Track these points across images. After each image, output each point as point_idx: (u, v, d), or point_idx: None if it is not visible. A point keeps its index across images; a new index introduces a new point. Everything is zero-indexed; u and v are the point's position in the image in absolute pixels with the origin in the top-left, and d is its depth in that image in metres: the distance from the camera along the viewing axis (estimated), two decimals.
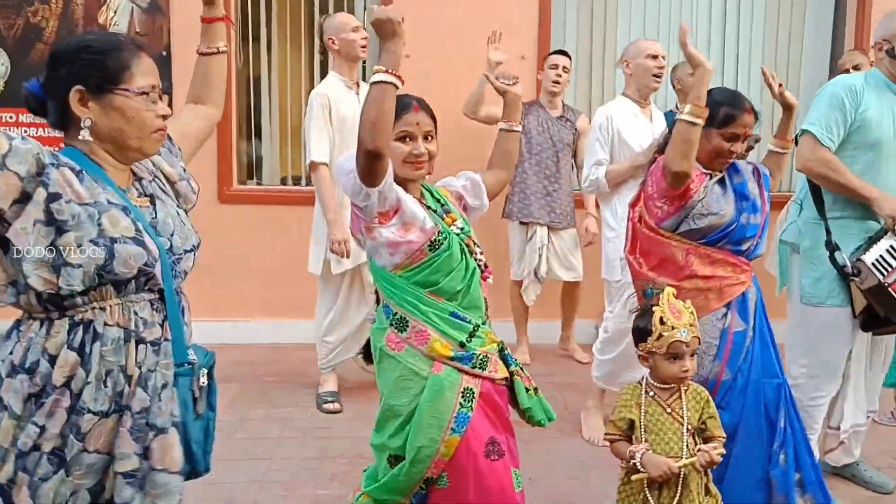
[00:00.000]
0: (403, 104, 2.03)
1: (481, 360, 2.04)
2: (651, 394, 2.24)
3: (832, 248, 2.90)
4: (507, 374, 2.11)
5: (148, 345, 1.61)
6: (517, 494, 2.07)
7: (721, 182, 2.56)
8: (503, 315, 4.93)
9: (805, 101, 3.70)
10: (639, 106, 3.72)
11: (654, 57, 3.63)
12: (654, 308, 2.20)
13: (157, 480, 1.58)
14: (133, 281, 1.58)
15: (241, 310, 5.16)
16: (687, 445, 2.16)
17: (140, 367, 1.60)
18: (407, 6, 4.71)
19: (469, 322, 2.05)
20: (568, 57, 4.71)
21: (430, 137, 2.10)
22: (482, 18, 4.95)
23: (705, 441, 2.21)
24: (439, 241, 2.02)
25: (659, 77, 3.66)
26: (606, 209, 3.77)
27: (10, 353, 1.56)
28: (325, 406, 4.02)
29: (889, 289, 2.80)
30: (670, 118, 4.83)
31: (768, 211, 2.62)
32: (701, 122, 2.35)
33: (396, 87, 1.88)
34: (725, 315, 2.50)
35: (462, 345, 2.02)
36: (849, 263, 2.85)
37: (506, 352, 2.15)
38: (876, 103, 2.91)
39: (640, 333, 2.24)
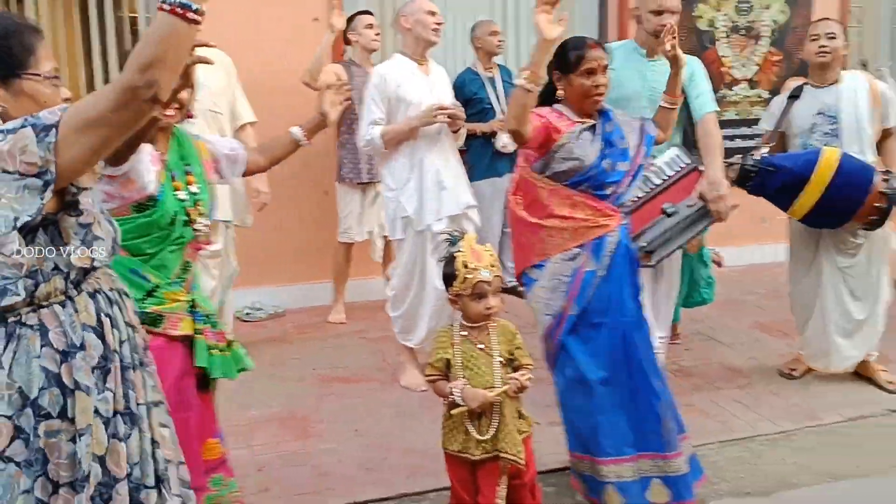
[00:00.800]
0: None
1: (152, 317, 2.04)
2: (463, 333, 2.39)
3: None
4: (189, 332, 2.12)
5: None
6: None
7: (592, 129, 2.68)
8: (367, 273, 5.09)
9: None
10: (416, 63, 3.70)
11: (433, 13, 3.65)
12: (457, 253, 2.34)
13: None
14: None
15: None
16: (500, 376, 2.34)
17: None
18: None
19: (149, 281, 2.05)
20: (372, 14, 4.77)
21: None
22: None
23: (515, 370, 2.39)
24: (147, 205, 2.02)
25: (437, 31, 3.66)
26: (386, 169, 3.74)
27: (45, 345, 1.49)
28: None
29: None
30: (507, 74, 5.03)
31: (641, 163, 2.76)
32: (536, 88, 2.48)
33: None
34: (578, 255, 2.61)
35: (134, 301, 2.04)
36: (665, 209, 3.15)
37: (197, 310, 2.16)
38: (619, 66, 3.25)
39: (448, 278, 2.37)
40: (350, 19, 4.75)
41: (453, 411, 2.32)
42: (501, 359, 2.36)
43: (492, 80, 5.08)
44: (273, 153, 2.49)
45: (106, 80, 4.94)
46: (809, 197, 3.40)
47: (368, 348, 4.44)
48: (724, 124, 6.02)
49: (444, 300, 3.49)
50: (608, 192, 2.66)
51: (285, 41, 4.94)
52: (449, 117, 3.55)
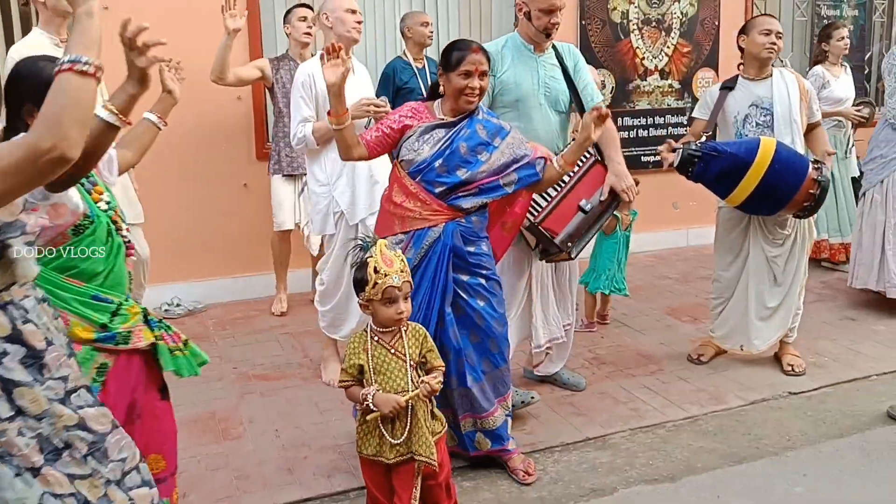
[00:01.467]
0: None
1: (124, 336, 2.08)
2: (375, 339, 2.43)
3: None
4: (151, 340, 2.16)
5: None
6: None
7: (447, 128, 2.83)
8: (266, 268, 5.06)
9: (495, 29, 4.33)
10: None
11: (353, 11, 3.65)
12: (369, 259, 2.37)
13: None
14: None
15: None
16: (412, 380, 2.39)
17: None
18: None
19: (112, 302, 2.07)
20: (311, 8, 4.71)
21: None
22: None
23: (427, 373, 2.45)
24: (84, 225, 2.02)
25: (357, 29, 3.66)
26: (315, 165, 3.72)
27: None
28: None
29: (540, 227, 3.26)
30: (435, 66, 5.03)
31: (490, 182, 2.84)
32: (342, 127, 2.77)
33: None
34: (402, 241, 2.78)
35: (104, 326, 2.05)
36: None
37: (150, 317, 2.20)
38: (512, 66, 3.34)
39: (359, 284, 2.41)
40: (288, 12, 4.73)
41: (367, 416, 2.36)
42: (413, 362, 2.41)
43: (422, 71, 5.10)
44: (140, 144, 2.46)
45: None
46: (750, 181, 3.50)
47: (289, 343, 4.44)
48: (637, 113, 6.27)
49: None
50: (437, 190, 2.80)
51: (197, 32, 4.83)
52: (378, 110, 3.55)
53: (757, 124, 3.76)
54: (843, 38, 5.49)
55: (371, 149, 2.87)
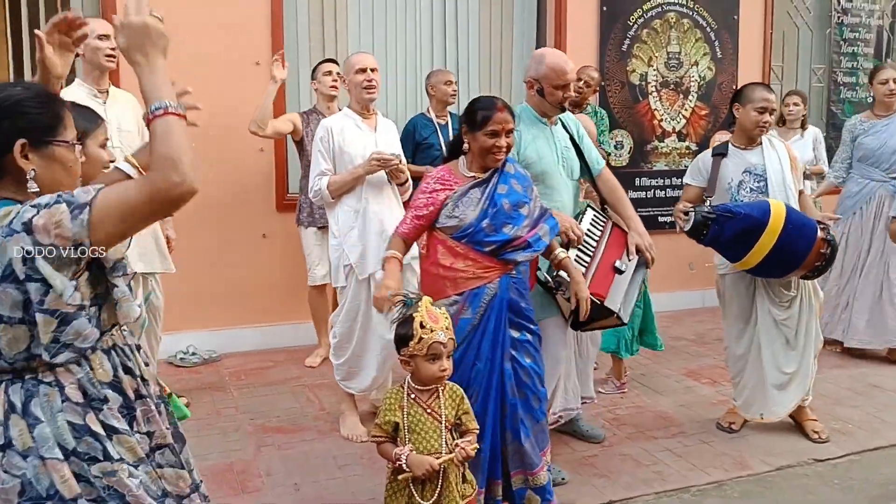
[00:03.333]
0: None
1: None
2: (412, 396, 2.40)
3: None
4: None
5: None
6: None
7: (482, 186, 2.83)
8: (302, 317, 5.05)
9: (516, 91, 4.48)
10: (361, 117, 3.78)
11: (363, 70, 3.71)
12: (414, 314, 2.36)
13: None
14: None
15: None
16: (446, 442, 2.36)
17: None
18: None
19: None
20: (336, 62, 4.81)
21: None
22: (211, 20, 4.87)
23: (461, 435, 2.42)
24: None
25: (370, 89, 3.72)
26: (331, 217, 3.78)
27: (65, 400, 1.57)
28: None
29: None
30: (459, 124, 5.12)
31: (531, 237, 2.83)
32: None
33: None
34: (457, 302, 2.75)
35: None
36: (549, 279, 3.23)
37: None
38: (531, 140, 3.30)
39: (402, 339, 2.38)
40: (314, 69, 4.83)
41: (399, 476, 2.32)
42: (448, 424, 2.38)
43: (444, 127, 5.17)
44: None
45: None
46: (766, 243, 3.47)
47: (305, 396, 4.40)
48: (654, 174, 6.32)
49: (390, 350, 3.55)
50: (486, 249, 2.77)
51: (223, 83, 4.92)
52: (386, 165, 3.59)
53: (751, 189, 3.75)
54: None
55: (411, 239, 2.89)
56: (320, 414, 4.12)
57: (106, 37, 3.65)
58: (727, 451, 3.70)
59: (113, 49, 3.65)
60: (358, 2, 5.57)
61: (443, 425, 2.37)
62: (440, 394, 2.41)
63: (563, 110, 3.41)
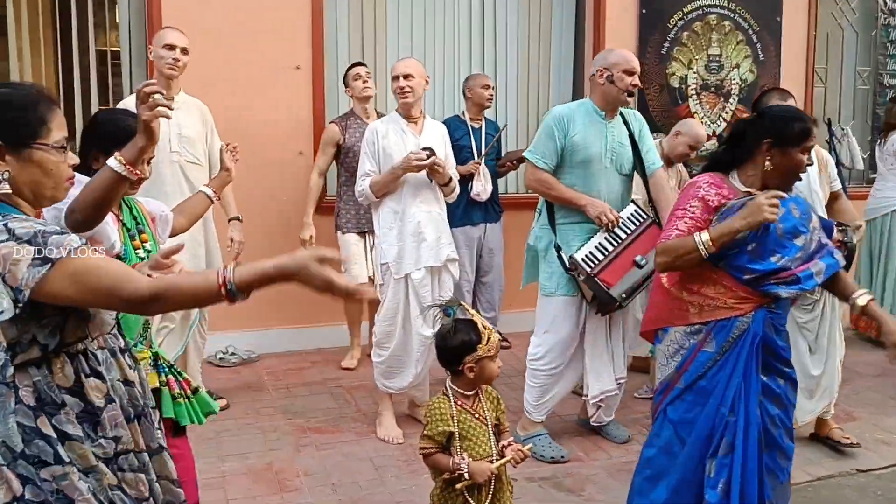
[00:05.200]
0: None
1: None
2: (459, 402, 2.39)
3: (557, 248, 3.52)
4: (155, 385, 2.17)
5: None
6: None
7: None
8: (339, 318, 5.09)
9: (553, 96, 4.32)
10: (407, 121, 3.81)
11: (395, 78, 3.76)
12: (471, 319, 2.36)
13: None
14: None
15: None
16: (494, 445, 2.37)
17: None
18: (175, 10, 4.68)
19: None
20: (364, 65, 4.85)
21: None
22: (252, 24, 4.95)
23: (499, 435, 2.43)
24: None
25: (403, 95, 3.74)
26: (375, 218, 3.87)
27: (17, 402, 1.55)
28: None
29: (596, 279, 3.40)
30: (493, 128, 5.16)
31: (805, 265, 2.49)
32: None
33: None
34: (700, 332, 2.50)
35: None
36: (566, 260, 3.44)
37: (160, 362, 2.23)
38: (583, 129, 3.51)
39: (467, 346, 2.33)
40: (345, 75, 4.85)
41: (458, 486, 2.29)
42: (492, 425, 2.40)
43: (477, 131, 5.19)
44: (192, 213, 2.64)
45: (86, 115, 4.92)
46: None
47: (343, 397, 4.43)
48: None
49: (428, 347, 3.65)
50: (746, 277, 2.45)
51: (262, 86, 4.99)
52: (423, 165, 3.61)
53: None
54: None
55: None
56: (357, 415, 4.15)
57: (172, 47, 3.77)
58: None
59: (175, 59, 3.75)
60: (397, 6, 5.60)
61: (489, 428, 2.38)
62: (481, 397, 2.41)
63: (632, 95, 3.56)
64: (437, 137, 3.87)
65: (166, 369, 2.23)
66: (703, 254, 2.42)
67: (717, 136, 6.10)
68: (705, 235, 2.42)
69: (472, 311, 2.39)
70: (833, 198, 3.81)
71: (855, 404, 4.31)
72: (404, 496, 3.24)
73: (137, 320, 2.16)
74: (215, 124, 4.13)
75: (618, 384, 3.74)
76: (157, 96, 2.00)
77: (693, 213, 2.51)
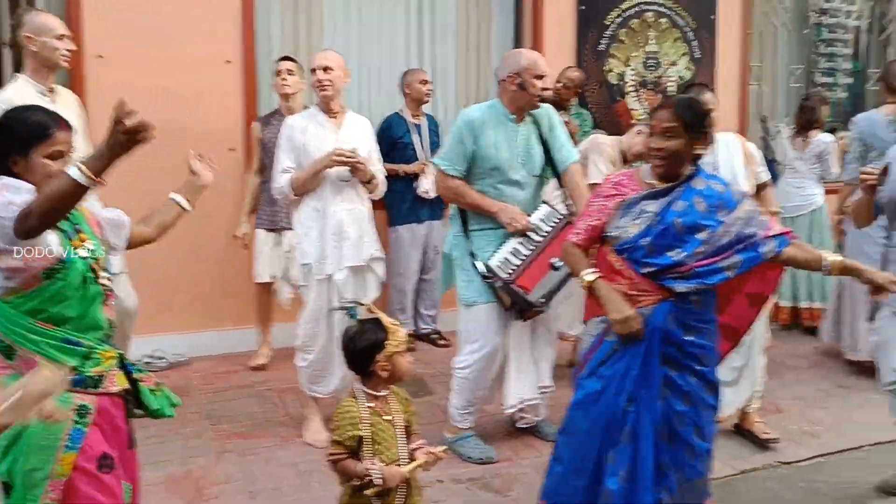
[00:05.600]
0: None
1: (94, 380, 2.06)
2: (370, 405, 2.31)
3: (472, 256, 3.47)
4: (125, 386, 2.14)
5: None
6: None
7: (658, 198, 2.52)
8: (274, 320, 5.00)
9: (492, 90, 3.94)
10: (327, 115, 3.71)
11: (313, 70, 3.66)
12: (375, 318, 2.31)
13: None
14: None
15: None
16: (404, 448, 2.32)
17: None
18: (102, 7, 4.53)
19: (83, 346, 2.05)
20: (294, 61, 4.71)
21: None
22: (181, 16, 4.81)
23: (408, 436, 2.36)
24: (56, 269, 2.00)
25: (321, 88, 3.64)
26: (295, 216, 3.77)
27: None
28: None
29: (512, 286, 3.35)
30: (433, 123, 5.08)
31: (709, 260, 2.49)
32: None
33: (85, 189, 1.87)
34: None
35: (74, 369, 2.02)
36: (482, 267, 3.36)
37: (126, 361, 2.18)
38: (493, 134, 3.45)
39: (377, 345, 2.28)
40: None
41: (368, 491, 2.22)
42: (402, 427, 2.34)
43: (418, 127, 5.13)
44: (161, 222, 2.44)
45: None
46: None
47: (271, 401, 4.33)
48: None
49: None
50: (644, 271, 2.48)
51: (191, 81, 4.86)
52: (345, 163, 3.54)
53: None
54: None
55: (586, 248, 2.62)
56: (285, 419, 4.06)
57: (65, 37, 3.59)
58: None
59: (69, 50, 3.59)
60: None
61: (398, 430, 2.32)
62: (390, 398, 2.35)
63: (542, 100, 3.51)
64: (360, 132, 3.78)
65: (136, 368, 2.19)
66: (583, 286, 2.57)
67: None
68: (590, 276, 2.55)
69: (376, 309, 2.33)
70: (759, 188, 3.86)
71: (783, 397, 4.35)
72: (328, 501, 3.14)
73: (101, 322, 2.11)
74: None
75: (541, 392, 3.67)
76: None
77: (592, 209, 2.61)
